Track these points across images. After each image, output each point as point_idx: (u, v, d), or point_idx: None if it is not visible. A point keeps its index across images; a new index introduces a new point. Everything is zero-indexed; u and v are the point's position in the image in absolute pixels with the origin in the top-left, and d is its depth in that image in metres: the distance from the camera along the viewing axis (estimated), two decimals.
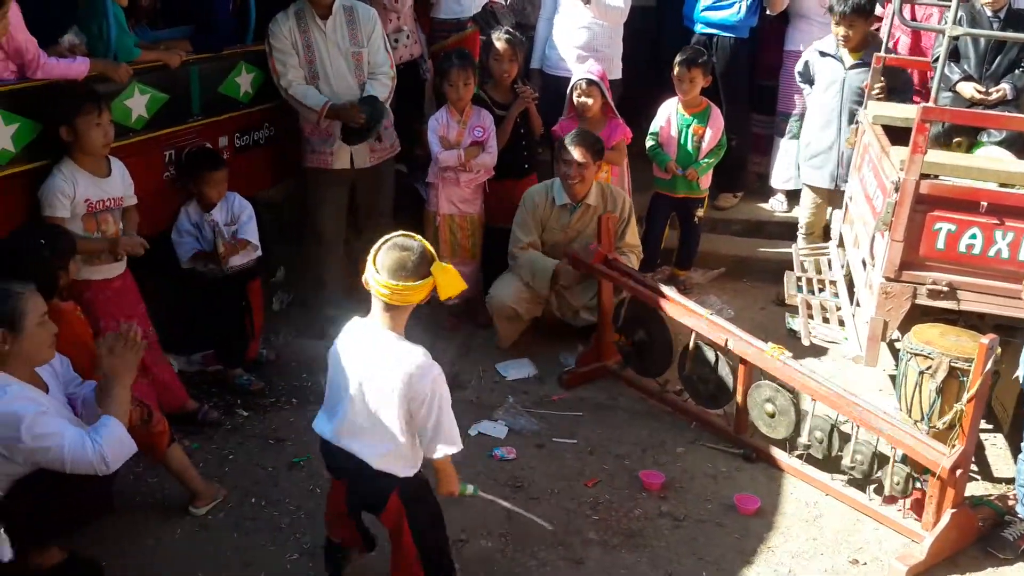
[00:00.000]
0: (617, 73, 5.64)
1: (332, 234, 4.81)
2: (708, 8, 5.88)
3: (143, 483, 3.56)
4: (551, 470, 3.79)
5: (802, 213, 5.45)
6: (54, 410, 2.78)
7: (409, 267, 2.57)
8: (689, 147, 5.26)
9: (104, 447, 2.71)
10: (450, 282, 2.60)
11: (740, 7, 5.79)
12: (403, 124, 5.16)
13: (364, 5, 4.72)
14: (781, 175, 6.11)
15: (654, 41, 6.49)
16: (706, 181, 5.38)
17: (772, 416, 3.77)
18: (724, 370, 3.93)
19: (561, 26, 5.58)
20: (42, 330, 2.78)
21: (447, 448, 2.72)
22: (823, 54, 5.21)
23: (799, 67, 5.41)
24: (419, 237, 2.67)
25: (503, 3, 5.68)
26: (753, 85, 6.18)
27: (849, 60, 5.09)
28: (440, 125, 4.83)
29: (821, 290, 4.63)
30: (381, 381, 2.66)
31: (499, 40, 4.94)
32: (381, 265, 2.59)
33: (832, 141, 5.15)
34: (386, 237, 2.66)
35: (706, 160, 5.26)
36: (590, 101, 4.99)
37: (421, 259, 2.59)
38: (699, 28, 5.96)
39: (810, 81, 5.35)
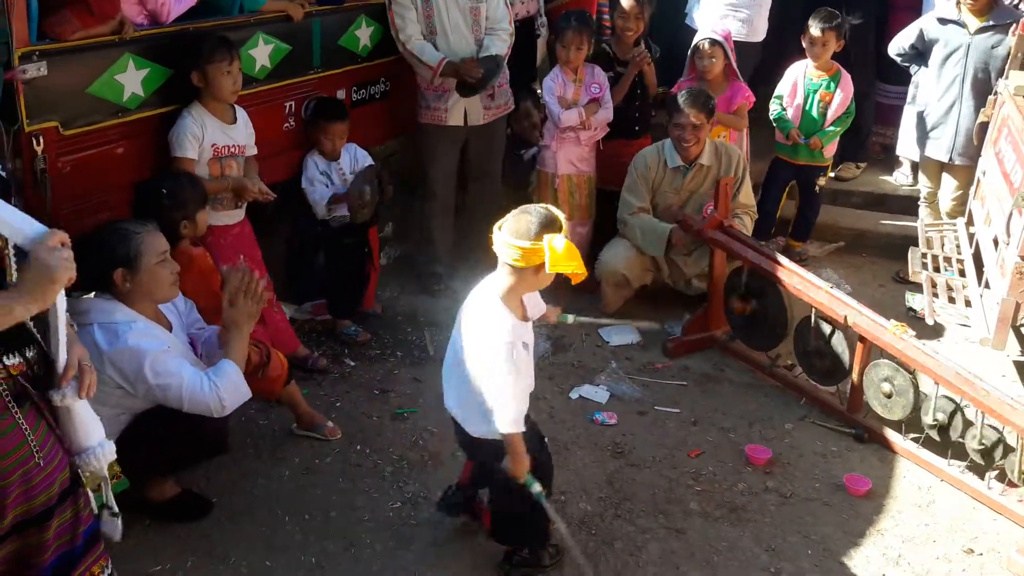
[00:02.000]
0: (761, 35, 5.45)
1: (443, 190, 4.82)
2: None
3: (255, 425, 3.67)
4: (653, 438, 3.74)
5: (922, 184, 5.21)
6: (176, 349, 2.88)
7: (526, 229, 2.52)
8: (815, 113, 5.05)
9: (221, 389, 2.80)
10: (561, 259, 2.49)
11: None
12: (516, 82, 5.11)
13: None
14: (907, 144, 5.82)
15: (781, 3, 6.25)
16: (830, 149, 5.17)
17: (889, 396, 3.62)
18: (841, 346, 3.79)
19: None
20: (162, 268, 2.87)
21: (500, 428, 2.62)
22: (943, 21, 4.90)
23: (909, 39, 5.01)
24: (553, 209, 2.60)
25: None
26: (881, 53, 5.88)
27: (974, 24, 4.78)
28: (557, 85, 4.77)
29: (947, 268, 4.41)
30: (469, 339, 2.67)
31: None
32: (505, 223, 2.58)
33: (951, 111, 4.87)
34: (526, 205, 2.62)
35: (832, 128, 5.05)
36: (713, 62, 4.84)
37: (542, 224, 2.52)
38: None
39: (920, 55, 5.02)
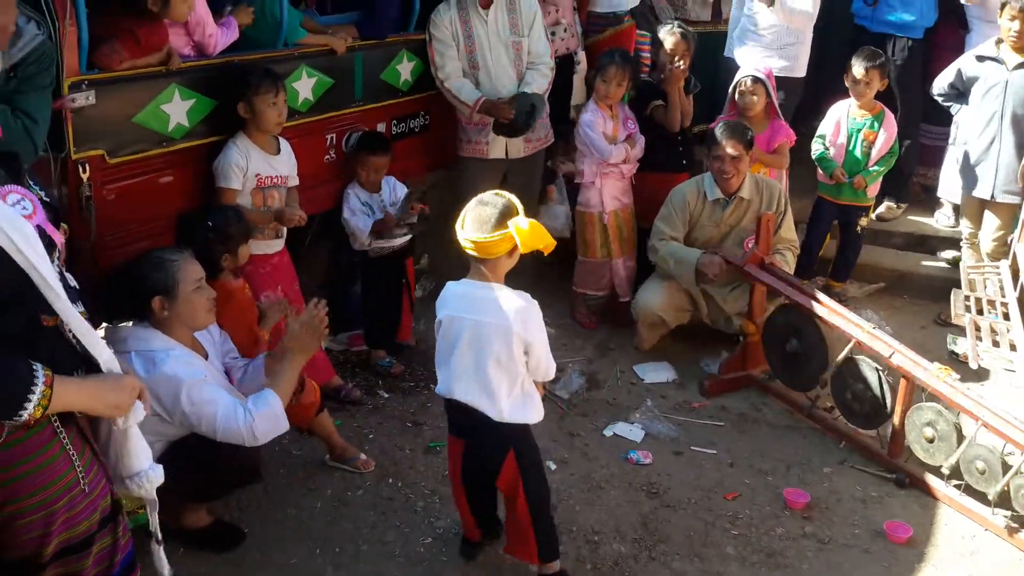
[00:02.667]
0: (802, 71, 5.42)
1: None
2: (879, 2, 5.60)
3: (288, 455, 3.66)
4: (689, 479, 3.68)
5: (964, 225, 5.12)
6: (212, 377, 2.89)
7: (488, 221, 2.67)
8: (858, 153, 5.00)
9: (256, 420, 2.79)
10: (531, 237, 2.65)
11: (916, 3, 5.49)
12: (554, 116, 5.13)
13: None
14: (948, 185, 5.76)
15: (819, 40, 6.23)
16: (873, 189, 5.12)
17: (931, 441, 3.54)
18: (882, 389, 3.71)
19: (748, 24, 5.39)
20: (198, 295, 2.88)
21: (547, 375, 2.88)
22: (980, 58, 4.85)
23: (948, 78, 4.98)
24: (506, 194, 2.76)
25: None
26: (925, 93, 5.83)
27: (1013, 60, 4.73)
28: (597, 121, 4.78)
29: (991, 311, 4.32)
30: (492, 325, 2.75)
31: (670, 34, 4.86)
32: (466, 220, 2.72)
33: (991, 147, 4.80)
34: (476, 197, 2.77)
35: (876, 168, 5.00)
36: (755, 99, 4.82)
37: (502, 213, 2.68)
38: (874, 27, 5.68)
39: (961, 95, 4.97)
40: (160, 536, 2.34)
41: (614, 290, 4.99)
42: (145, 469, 2.20)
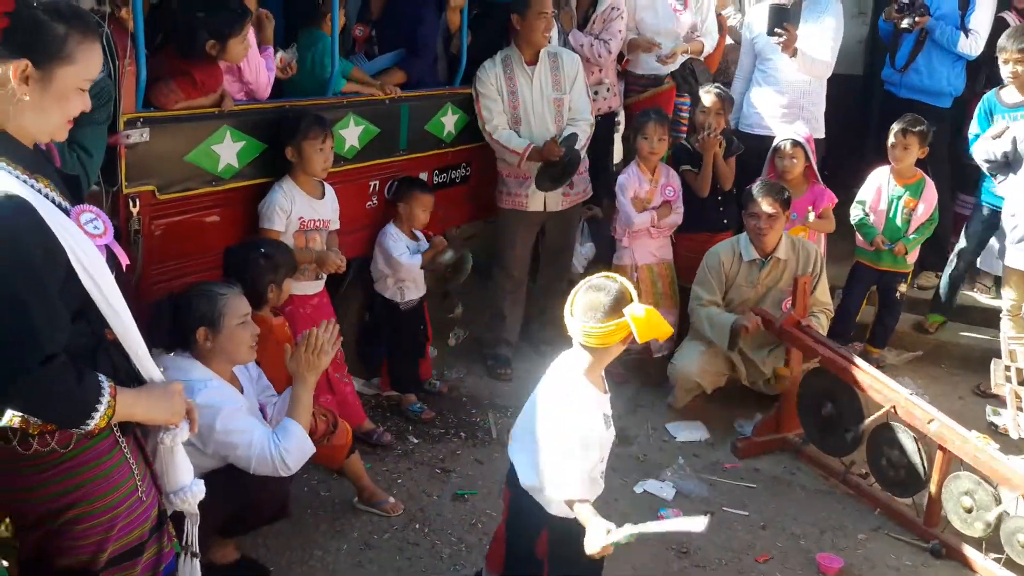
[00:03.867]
0: (821, 132, 5.42)
1: (519, 272, 4.89)
2: (908, 69, 5.65)
3: (316, 496, 3.66)
4: (720, 540, 3.62)
5: (1005, 296, 5.04)
6: (247, 409, 2.91)
7: (601, 309, 2.48)
8: (898, 220, 4.99)
9: (284, 450, 2.81)
10: (648, 326, 2.43)
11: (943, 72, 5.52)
12: (594, 173, 5.19)
13: (569, 52, 4.83)
14: (989, 256, 5.70)
15: (861, 110, 6.29)
16: (913, 256, 5.09)
17: (969, 511, 3.46)
18: (918, 456, 3.65)
19: (763, 83, 5.43)
20: (242, 330, 2.92)
21: (550, 490, 2.55)
22: None
23: (1002, 147, 4.84)
24: (620, 278, 2.56)
25: (702, 61, 5.63)
26: (959, 161, 5.80)
27: None
28: (631, 184, 4.81)
29: None
30: (537, 405, 2.64)
31: (708, 93, 4.92)
32: (576, 307, 2.54)
33: None
34: (587, 279, 2.60)
35: (915, 235, 4.98)
36: (794, 162, 4.84)
37: (616, 300, 2.48)
38: (902, 92, 5.72)
39: (1006, 165, 4.86)
40: (197, 549, 2.36)
41: (647, 345, 4.97)
42: (188, 484, 2.25)
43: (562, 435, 2.53)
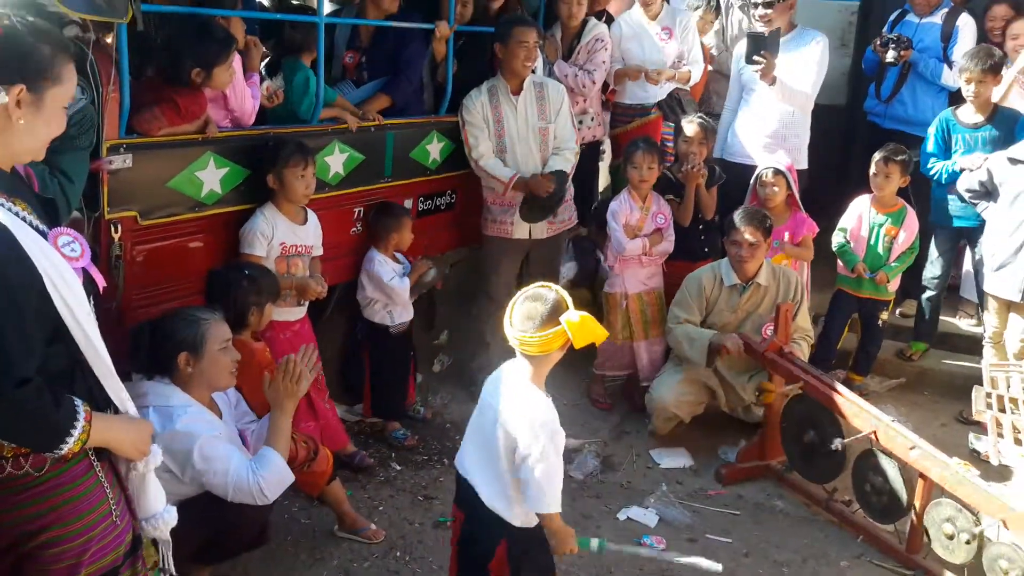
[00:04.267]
0: (803, 163, 5.47)
1: (503, 299, 4.84)
2: (892, 100, 5.71)
3: (296, 523, 3.64)
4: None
5: (987, 323, 5.07)
6: (226, 436, 2.90)
7: (538, 317, 2.55)
8: (880, 248, 5.02)
9: (262, 478, 2.80)
10: (583, 331, 2.52)
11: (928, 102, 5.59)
12: (578, 200, 5.22)
13: (554, 82, 4.87)
14: (970, 285, 5.74)
15: (843, 140, 6.35)
16: (894, 284, 5.11)
17: (951, 538, 3.46)
18: (900, 483, 3.65)
19: (747, 113, 5.48)
20: (223, 356, 2.92)
21: (533, 506, 2.61)
22: (1013, 161, 4.86)
23: (979, 177, 4.91)
24: (556, 287, 2.64)
25: (688, 91, 5.68)
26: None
27: None
28: (623, 212, 4.84)
29: (1013, 409, 4.26)
30: (497, 420, 2.64)
31: (690, 123, 4.96)
32: (515, 317, 2.61)
33: (1021, 250, 4.77)
34: (523, 290, 2.67)
35: (896, 263, 5.01)
36: (776, 191, 4.88)
37: (552, 309, 2.56)
38: (886, 123, 5.79)
39: (987, 194, 4.94)
40: (175, 572, 2.36)
41: (634, 372, 4.99)
42: (160, 512, 2.24)
43: (541, 452, 2.56)
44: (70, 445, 1.94)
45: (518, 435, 2.58)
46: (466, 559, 2.84)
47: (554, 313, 2.55)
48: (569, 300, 2.60)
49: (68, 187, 2.85)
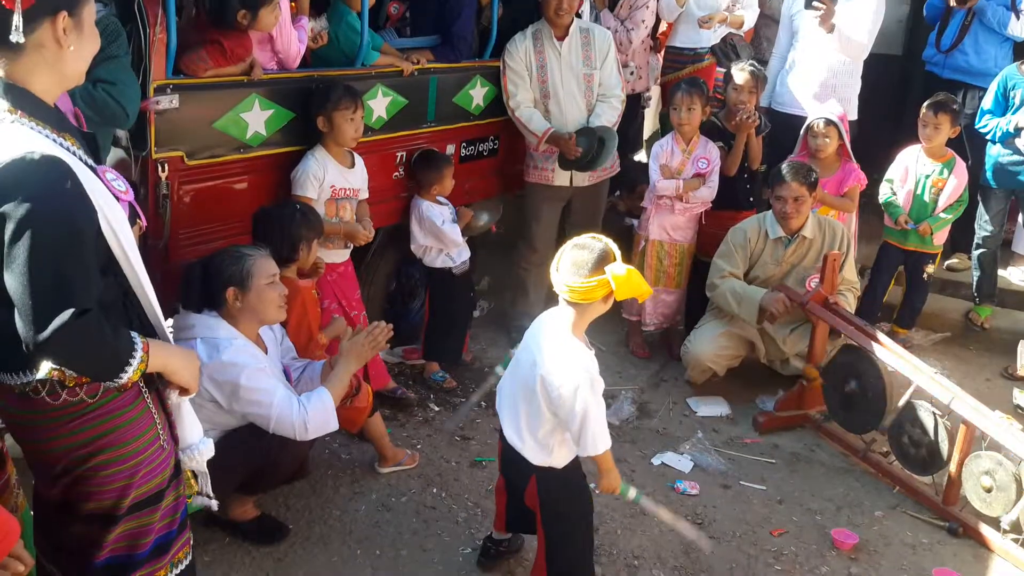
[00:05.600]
0: (853, 114, 5.37)
1: (543, 246, 4.89)
2: (953, 50, 5.55)
3: (337, 458, 3.74)
4: (735, 513, 3.64)
5: None
6: (271, 370, 2.98)
7: (585, 266, 2.59)
8: (926, 199, 4.94)
9: (309, 414, 2.88)
10: (628, 284, 2.56)
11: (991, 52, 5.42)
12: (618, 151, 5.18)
13: (601, 28, 4.82)
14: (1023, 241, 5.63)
15: (898, 90, 6.20)
16: (940, 237, 5.02)
17: (988, 491, 3.44)
18: (940, 435, 3.63)
19: (798, 62, 5.37)
20: (271, 290, 2.98)
21: (590, 451, 2.69)
22: None
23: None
24: (603, 238, 2.67)
25: (742, 36, 5.58)
26: None
27: None
28: (664, 152, 4.79)
29: None
30: (535, 364, 2.68)
31: (741, 71, 4.86)
32: (561, 264, 2.65)
33: None
34: (574, 239, 2.69)
35: (943, 215, 4.92)
36: (827, 141, 4.79)
37: (599, 259, 2.59)
38: (945, 73, 5.63)
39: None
40: (213, 495, 2.44)
41: (671, 323, 4.99)
42: (196, 443, 2.30)
43: (584, 401, 2.61)
44: (129, 374, 2.00)
45: (559, 383, 2.62)
46: (511, 486, 2.96)
47: (600, 263, 2.59)
48: (617, 252, 2.62)
49: (113, 90, 2.93)
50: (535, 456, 2.78)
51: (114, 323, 1.99)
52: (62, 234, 1.88)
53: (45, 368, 1.99)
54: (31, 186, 1.85)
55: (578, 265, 2.60)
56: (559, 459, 2.79)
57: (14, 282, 1.86)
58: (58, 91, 2.04)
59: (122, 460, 2.12)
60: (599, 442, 2.66)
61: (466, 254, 4.41)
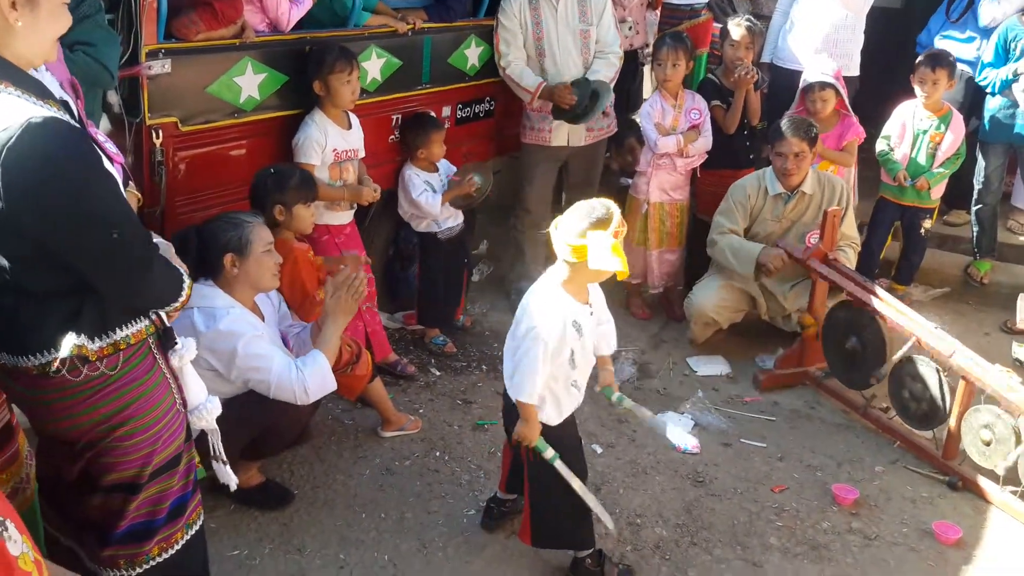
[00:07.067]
0: (856, 69, 5.31)
1: (540, 207, 4.86)
2: (948, 27, 5.50)
3: (339, 424, 3.74)
4: (736, 470, 3.66)
5: None
6: (269, 337, 2.97)
7: (581, 222, 2.58)
8: (922, 155, 4.90)
9: (307, 378, 2.88)
10: (601, 256, 2.53)
11: (980, 45, 5.35)
12: (618, 111, 5.13)
13: None
14: (1022, 195, 5.61)
15: (898, 45, 6.13)
16: (938, 191, 5.00)
17: (988, 444, 3.46)
18: (940, 390, 3.64)
19: (801, 17, 5.29)
20: (267, 257, 2.97)
21: (512, 393, 2.73)
22: None
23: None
24: (613, 206, 2.62)
25: None
26: None
27: None
28: (655, 111, 4.76)
29: None
30: (520, 312, 2.76)
31: (737, 26, 4.81)
32: (562, 223, 2.65)
33: None
34: (581, 202, 2.68)
35: (940, 169, 4.89)
36: (825, 103, 4.74)
37: (596, 221, 2.56)
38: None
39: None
40: (224, 457, 2.45)
41: (669, 284, 4.99)
42: (203, 402, 2.31)
43: (523, 339, 2.67)
44: (182, 298, 2.15)
45: (523, 321, 2.70)
46: (509, 436, 2.95)
47: (595, 225, 2.57)
48: (616, 224, 2.57)
49: (92, 51, 2.88)
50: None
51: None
52: (107, 185, 1.95)
53: (68, 345, 1.99)
54: (56, 148, 1.84)
55: (574, 220, 2.62)
56: (548, 416, 2.80)
57: (88, 241, 1.91)
58: (25, 62, 1.95)
59: (147, 428, 2.16)
60: (523, 389, 2.68)
61: (453, 221, 4.37)
